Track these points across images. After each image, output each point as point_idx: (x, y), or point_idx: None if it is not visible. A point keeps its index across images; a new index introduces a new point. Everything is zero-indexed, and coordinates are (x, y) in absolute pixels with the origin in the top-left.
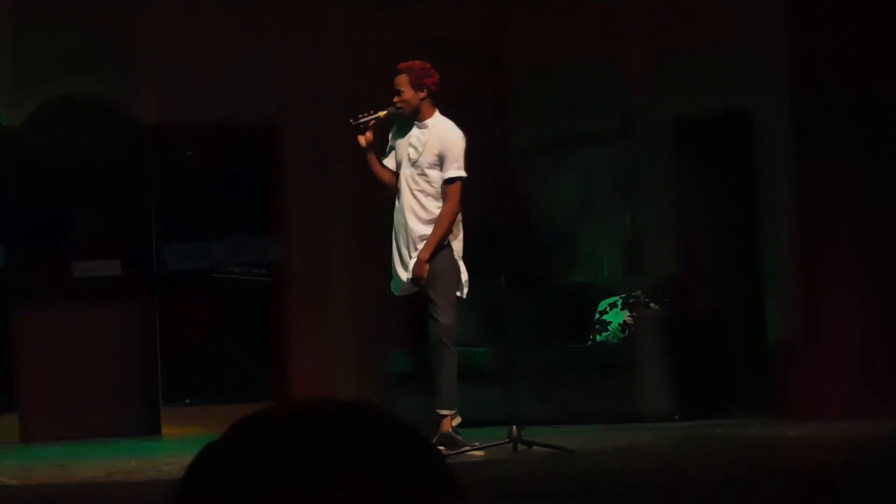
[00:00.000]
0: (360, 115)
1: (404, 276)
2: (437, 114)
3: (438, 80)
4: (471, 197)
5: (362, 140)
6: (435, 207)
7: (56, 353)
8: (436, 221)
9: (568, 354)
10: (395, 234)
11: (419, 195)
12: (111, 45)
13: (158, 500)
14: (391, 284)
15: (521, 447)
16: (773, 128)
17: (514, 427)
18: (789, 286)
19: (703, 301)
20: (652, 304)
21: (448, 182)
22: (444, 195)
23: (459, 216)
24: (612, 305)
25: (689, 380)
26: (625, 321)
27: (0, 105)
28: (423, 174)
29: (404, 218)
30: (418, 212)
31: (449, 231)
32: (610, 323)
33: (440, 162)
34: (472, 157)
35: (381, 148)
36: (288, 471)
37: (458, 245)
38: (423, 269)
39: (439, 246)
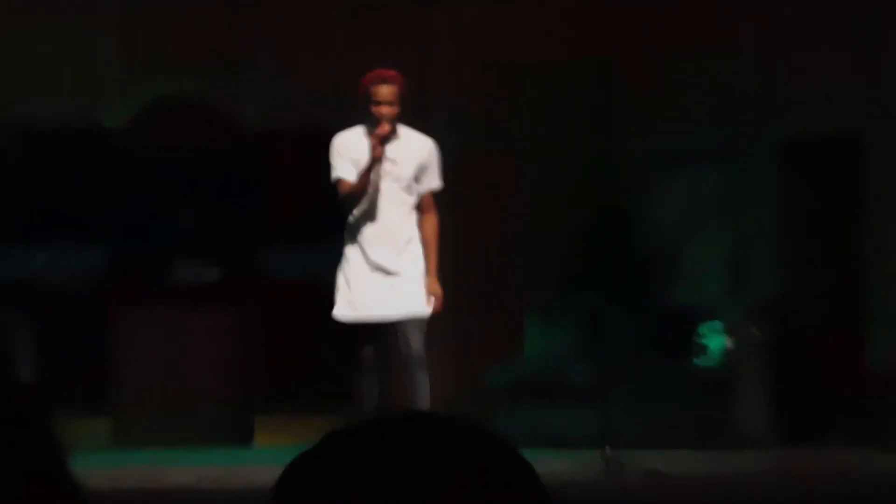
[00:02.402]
0: (380, 134)
1: (373, 296)
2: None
3: None
4: (573, 210)
5: (379, 152)
6: (415, 222)
7: (152, 358)
8: (431, 237)
9: (666, 376)
10: (364, 253)
11: (403, 210)
12: (216, 44)
13: None
14: (339, 310)
15: (614, 468)
16: (884, 150)
17: (608, 447)
18: None
19: (807, 325)
20: (754, 330)
21: (432, 193)
22: (424, 207)
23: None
24: (714, 329)
25: (790, 406)
26: (726, 346)
27: (103, 106)
28: (408, 187)
29: (387, 239)
30: (405, 230)
31: None
32: (710, 347)
33: (419, 173)
34: (573, 170)
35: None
36: (380, 485)
37: None
38: (439, 287)
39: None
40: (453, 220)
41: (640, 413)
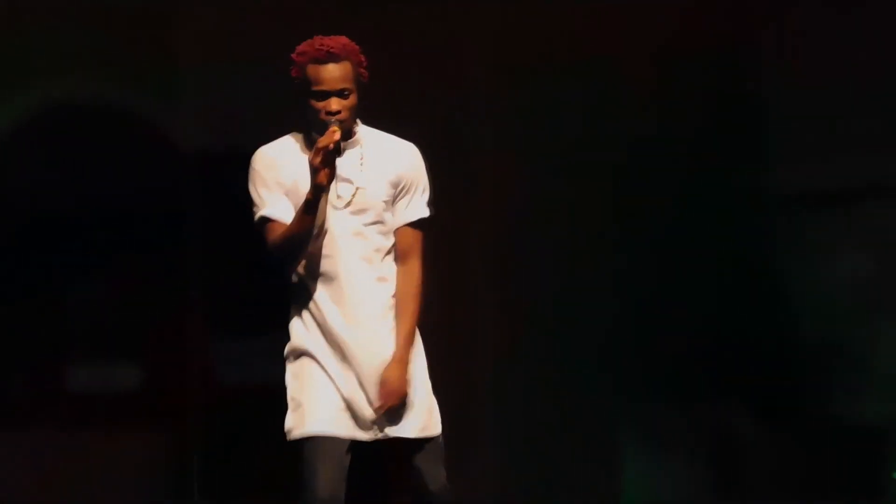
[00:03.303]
0: (324, 146)
1: (347, 405)
2: (358, 122)
3: None
4: (694, 276)
5: (323, 177)
6: (393, 274)
7: None
8: (407, 296)
9: None
10: (324, 333)
11: (376, 261)
12: (137, 33)
13: None
14: (295, 424)
15: None
16: None
17: None
18: None
19: None
20: None
21: (414, 226)
22: (400, 250)
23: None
24: None
25: None
26: None
27: None
28: (378, 221)
29: (356, 310)
30: (382, 292)
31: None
32: None
33: (396, 198)
34: (698, 214)
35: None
36: None
37: None
38: (404, 380)
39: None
40: (497, 289)
41: None
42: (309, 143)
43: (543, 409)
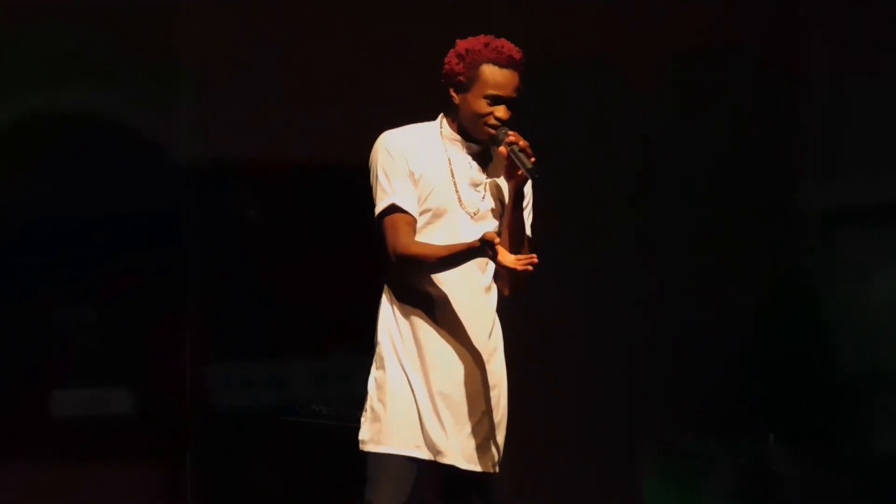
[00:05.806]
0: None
1: (444, 429)
2: None
3: None
4: (725, 295)
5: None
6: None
7: None
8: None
9: None
10: (417, 345)
11: (485, 267)
12: (133, 41)
13: None
14: (389, 443)
15: None
16: None
17: None
18: None
19: None
20: None
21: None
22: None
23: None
24: None
25: None
26: None
27: None
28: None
29: (468, 335)
30: (490, 318)
31: None
32: None
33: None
34: (729, 232)
35: None
36: None
37: None
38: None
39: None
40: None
41: None
42: (442, 138)
43: (564, 435)
